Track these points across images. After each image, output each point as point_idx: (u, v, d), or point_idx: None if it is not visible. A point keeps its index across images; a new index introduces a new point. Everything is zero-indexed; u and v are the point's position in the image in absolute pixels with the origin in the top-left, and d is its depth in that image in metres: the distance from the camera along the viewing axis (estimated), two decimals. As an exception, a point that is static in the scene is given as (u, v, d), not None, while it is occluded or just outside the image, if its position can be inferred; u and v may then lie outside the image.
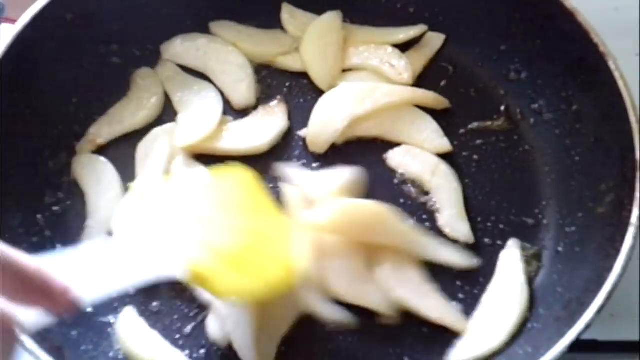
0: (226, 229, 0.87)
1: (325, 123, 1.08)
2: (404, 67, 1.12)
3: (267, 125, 1.09)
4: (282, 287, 0.88)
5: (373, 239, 0.98)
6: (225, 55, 1.14)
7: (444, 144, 1.08)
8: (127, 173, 1.07)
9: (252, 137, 1.08)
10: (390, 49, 1.14)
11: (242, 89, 1.12)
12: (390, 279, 0.97)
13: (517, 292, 0.96)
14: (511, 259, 0.99)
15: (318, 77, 1.13)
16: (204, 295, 0.96)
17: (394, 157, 1.07)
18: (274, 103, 1.12)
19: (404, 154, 1.07)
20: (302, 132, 1.09)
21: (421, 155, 1.06)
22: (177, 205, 0.88)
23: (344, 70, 1.14)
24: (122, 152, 1.09)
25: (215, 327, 0.95)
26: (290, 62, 1.15)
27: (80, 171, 1.07)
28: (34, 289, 0.60)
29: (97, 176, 1.06)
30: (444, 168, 1.05)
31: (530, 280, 0.98)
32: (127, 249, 0.79)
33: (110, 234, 1.02)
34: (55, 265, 0.64)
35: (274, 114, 1.10)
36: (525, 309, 0.95)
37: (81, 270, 0.70)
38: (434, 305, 0.97)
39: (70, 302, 0.63)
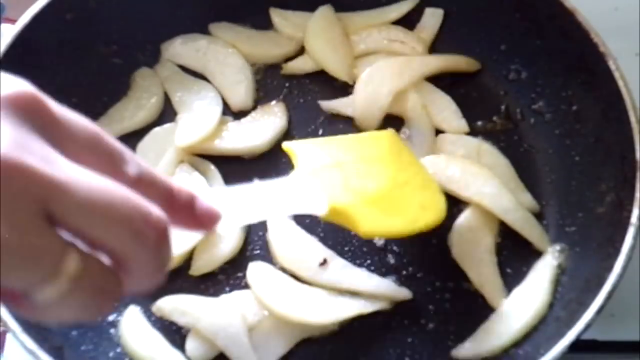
0: (370, 175, 0.93)
1: (371, 100, 1.08)
2: (414, 40, 1.13)
3: (266, 124, 1.09)
4: (425, 225, 0.92)
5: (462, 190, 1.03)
6: (224, 57, 1.14)
7: (462, 125, 1.09)
8: None
9: (251, 137, 1.08)
10: (392, 28, 1.14)
11: (240, 92, 1.12)
12: (459, 232, 1.00)
13: (536, 300, 0.96)
14: (543, 267, 0.99)
15: (336, 69, 1.13)
16: (181, 319, 0.96)
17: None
18: (273, 103, 1.12)
19: (442, 141, 1.08)
20: (348, 112, 1.11)
21: (461, 139, 1.08)
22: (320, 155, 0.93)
23: (357, 58, 1.15)
24: None
25: (194, 348, 0.95)
26: (300, 65, 1.15)
27: None
28: (182, 207, 0.58)
29: None
30: (487, 147, 1.07)
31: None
32: (267, 187, 0.82)
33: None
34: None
35: (273, 114, 1.10)
36: (540, 318, 0.95)
37: (224, 200, 0.70)
38: (483, 273, 0.99)
39: (213, 220, 0.62)
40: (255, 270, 0.98)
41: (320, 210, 0.86)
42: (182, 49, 1.16)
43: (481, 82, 1.14)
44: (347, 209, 0.87)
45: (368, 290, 0.97)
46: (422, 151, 1.06)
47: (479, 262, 0.99)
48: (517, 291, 0.98)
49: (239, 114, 1.11)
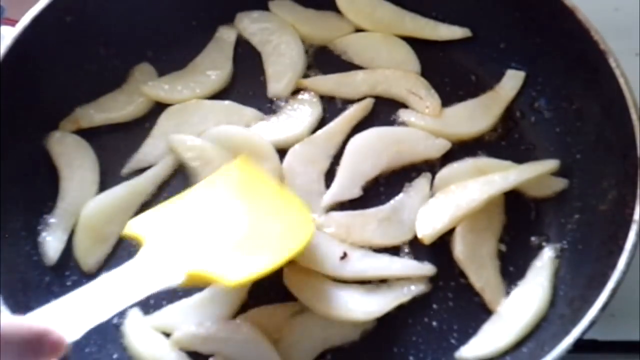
0: (224, 222, 0.91)
1: None
2: (431, 100, 1.11)
3: (302, 113, 1.10)
4: (295, 251, 0.91)
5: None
6: (285, 45, 1.16)
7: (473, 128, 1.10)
8: (109, 162, 1.08)
9: (291, 127, 1.09)
10: (419, 80, 1.13)
11: (282, 82, 1.13)
12: (463, 237, 1.00)
13: (536, 299, 0.96)
14: (541, 266, 0.99)
15: None
16: (204, 347, 0.94)
17: None
18: (304, 96, 1.13)
19: (442, 181, 1.06)
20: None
21: (457, 168, 1.06)
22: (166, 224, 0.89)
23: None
24: (107, 141, 1.10)
25: None
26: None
27: (58, 149, 1.07)
28: (31, 348, 0.65)
29: (76, 158, 1.07)
30: (484, 160, 1.07)
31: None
32: (113, 278, 0.80)
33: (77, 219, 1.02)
34: (47, 315, 0.70)
35: (308, 102, 1.12)
36: (541, 316, 0.95)
37: (74, 309, 0.73)
38: (485, 276, 0.99)
39: (64, 346, 0.67)
40: (291, 272, 0.97)
41: (176, 280, 0.82)
42: (252, 23, 1.18)
43: (481, 82, 1.14)
44: (205, 270, 0.84)
45: (394, 273, 0.98)
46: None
47: (480, 265, 0.99)
48: (517, 291, 0.98)
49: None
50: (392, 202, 1.04)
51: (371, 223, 1.02)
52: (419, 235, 0.99)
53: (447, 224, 0.99)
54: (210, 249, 0.87)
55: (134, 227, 0.89)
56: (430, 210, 1.01)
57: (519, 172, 1.02)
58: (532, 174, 1.02)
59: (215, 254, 0.86)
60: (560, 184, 1.04)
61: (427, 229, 0.99)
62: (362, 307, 0.95)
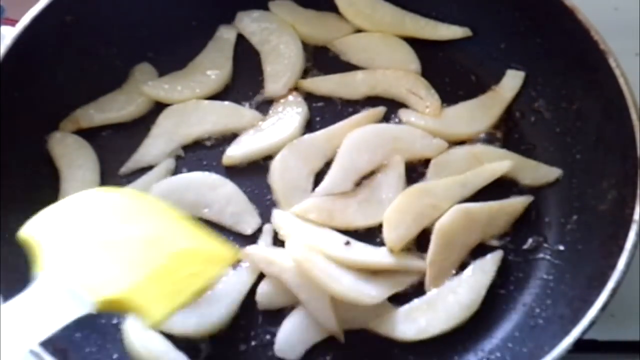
0: (139, 241, 0.81)
1: None
2: (431, 100, 1.11)
3: (291, 114, 1.11)
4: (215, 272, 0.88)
5: None
6: (284, 46, 1.16)
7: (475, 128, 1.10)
8: (109, 162, 1.08)
9: (284, 129, 1.09)
10: (419, 80, 1.13)
11: (279, 82, 1.14)
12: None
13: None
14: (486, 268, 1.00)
15: None
16: (268, 268, 0.98)
17: None
18: (288, 98, 1.13)
19: (436, 168, 1.07)
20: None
21: (451, 156, 1.07)
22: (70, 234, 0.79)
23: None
24: (107, 141, 1.10)
25: (265, 293, 0.98)
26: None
27: (59, 150, 1.07)
28: None
29: (77, 158, 1.07)
30: (480, 148, 1.08)
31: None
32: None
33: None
34: None
35: (295, 104, 1.12)
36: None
37: None
38: (445, 257, 1.00)
39: None
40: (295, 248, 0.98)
41: (85, 308, 0.73)
42: (252, 22, 1.18)
43: (481, 81, 1.14)
44: (121, 299, 0.75)
45: (393, 264, 0.99)
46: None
47: (451, 248, 1.00)
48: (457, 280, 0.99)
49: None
50: (368, 181, 1.05)
51: (351, 205, 1.04)
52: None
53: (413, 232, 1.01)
54: (123, 270, 0.76)
55: (30, 231, 0.78)
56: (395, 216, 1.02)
57: (474, 177, 1.04)
58: (488, 179, 1.04)
59: (128, 277, 0.76)
60: (554, 173, 1.05)
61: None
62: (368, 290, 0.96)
